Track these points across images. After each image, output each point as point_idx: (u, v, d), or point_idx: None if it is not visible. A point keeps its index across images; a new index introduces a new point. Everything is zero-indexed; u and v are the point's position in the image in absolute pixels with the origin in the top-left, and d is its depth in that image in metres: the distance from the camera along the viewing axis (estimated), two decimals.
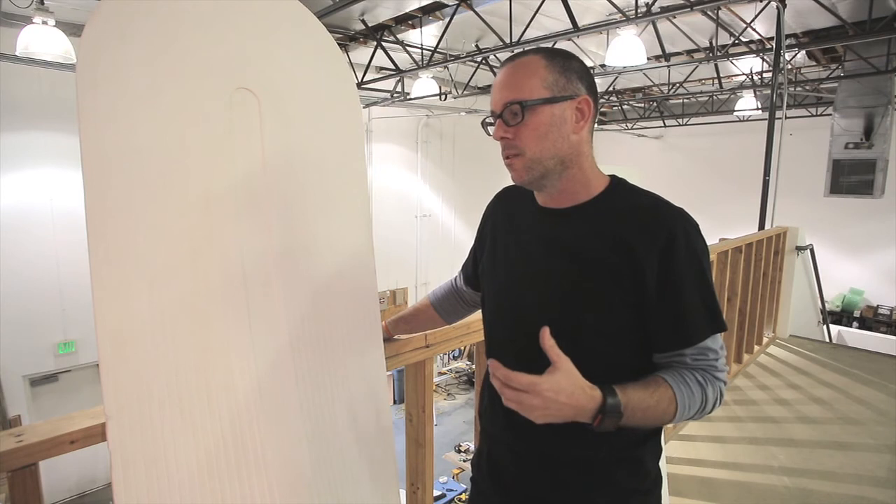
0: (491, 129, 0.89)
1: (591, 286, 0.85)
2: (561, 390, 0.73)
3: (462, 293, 1.22)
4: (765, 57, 6.69)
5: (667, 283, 0.82)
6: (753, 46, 6.19)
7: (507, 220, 1.02)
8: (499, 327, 0.99)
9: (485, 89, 8.94)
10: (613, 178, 0.92)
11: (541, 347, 0.84)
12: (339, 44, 3.33)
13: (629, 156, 12.88)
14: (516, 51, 5.77)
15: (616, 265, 0.83)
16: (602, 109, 11.25)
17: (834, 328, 6.54)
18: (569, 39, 5.89)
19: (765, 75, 7.80)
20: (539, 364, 0.90)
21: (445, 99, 7.88)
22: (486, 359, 1.04)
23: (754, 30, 5.66)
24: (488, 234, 1.05)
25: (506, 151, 0.87)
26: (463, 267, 1.20)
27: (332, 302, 1.07)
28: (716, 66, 7.26)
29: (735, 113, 9.40)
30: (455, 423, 9.14)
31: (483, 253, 1.06)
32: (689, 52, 6.77)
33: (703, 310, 0.84)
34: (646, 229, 0.83)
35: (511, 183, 1.09)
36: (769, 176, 4.20)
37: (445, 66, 6.77)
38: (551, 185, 0.88)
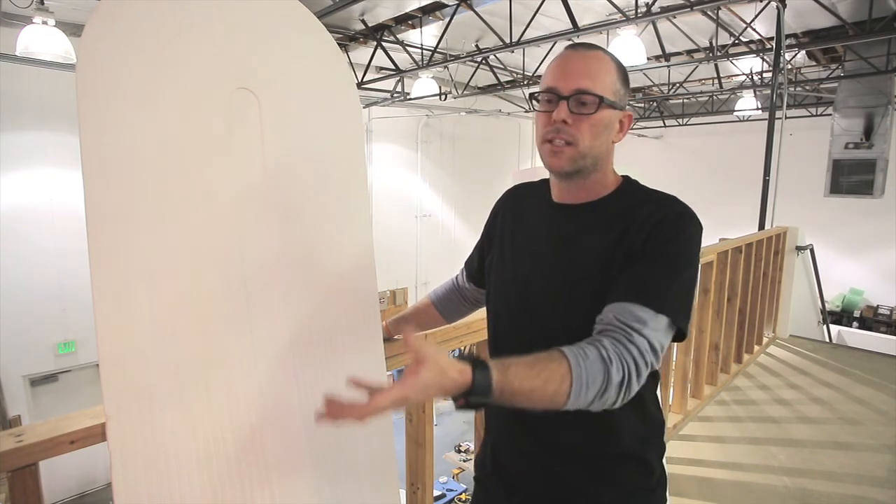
0: (535, 103, 0.89)
1: (600, 280, 0.85)
2: (429, 387, 0.64)
3: (464, 291, 1.22)
4: (765, 57, 6.69)
5: (641, 251, 0.81)
6: (753, 46, 6.19)
7: (517, 216, 1.02)
8: (505, 321, 0.99)
9: (485, 89, 8.94)
10: (626, 178, 0.94)
11: (550, 343, 0.84)
12: (339, 44, 3.33)
13: (629, 156, 12.87)
14: (516, 51, 5.79)
15: (622, 259, 0.83)
16: None
17: (834, 328, 6.54)
18: (569, 39, 5.88)
19: (765, 75, 7.80)
20: None
21: (445, 99, 7.88)
22: (489, 356, 1.04)
23: (754, 30, 5.67)
24: (497, 230, 1.05)
25: (556, 135, 0.85)
26: (466, 264, 1.20)
27: (332, 302, 1.07)
28: (716, 66, 7.26)
29: (735, 113, 9.40)
30: (455, 423, 9.13)
31: (491, 249, 1.06)
32: (689, 52, 6.78)
33: (648, 282, 0.79)
34: (647, 216, 0.84)
35: (513, 183, 1.10)
36: (769, 176, 4.20)
37: (445, 66, 6.77)
38: (579, 180, 0.90)
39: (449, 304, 1.25)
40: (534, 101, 0.90)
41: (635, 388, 0.73)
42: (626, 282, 0.80)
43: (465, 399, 0.66)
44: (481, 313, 1.16)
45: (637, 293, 0.77)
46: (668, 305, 0.77)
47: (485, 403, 0.67)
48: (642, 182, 0.93)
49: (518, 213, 1.02)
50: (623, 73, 0.88)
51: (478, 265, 1.14)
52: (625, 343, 0.73)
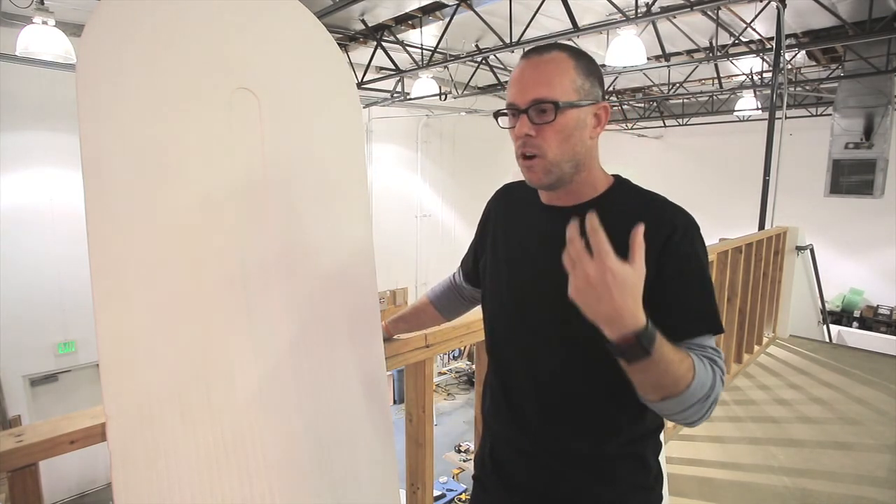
0: (503, 119, 0.88)
1: None
2: (623, 284, 0.66)
3: (461, 289, 1.22)
4: (765, 57, 6.69)
5: (664, 280, 0.81)
6: (753, 46, 6.19)
7: (509, 217, 1.02)
8: (502, 325, 0.99)
9: (485, 89, 8.94)
10: (617, 177, 0.92)
11: (545, 346, 0.83)
12: (339, 44, 3.33)
13: (629, 156, 12.88)
14: (516, 51, 5.78)
15: None
16: None
17: (834, 328, 6.54)
18: (569, 39, 5.88)
19: (765, 75, 7.80)
20: (542, 361, 0.91)
21: (445, 99, 7.88)
22: (488, 357, 1.04)
23: (754, 30, 5.66)
24: (490, 231, 1.05)
25: (525, 150, 0.85)
26: (462, 263, 1.20)
27: (332, 302, 1.07)
28: (716, 66, 7.26)
29: (735, 113, 9.40)
30: (455, 423, 9.13)
31: (484, 250, 1.06)
32: (689, 52, 6.77)
33: (699, 308, 0.83)
34: (647, 228, 0.83)
35: (513, 180, 1.09)
36: (769, 176, 4.20)
37: (445, 66, 6.77)
38: (563, 186, 0.88)
39: (447, 303, 1.25)
40: (499, 119, 0.89)
41: (715, 408, 0.77)
42: (679, 313, 0.80)
43: (636, 338, 0.67)
44: (480, 313, 1.16)
45: (696, 324, 0.81)
46: (711, 322, 0.82)
47: (646, 352, 0.68)
48: (642, 182, 0.93)
49: (510, 213, 1.02)
50: (587, 66, 0.84)
51: (472, 265, 1.14)
52: (713, 358, 0.78)
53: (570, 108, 0.82)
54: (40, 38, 3.99)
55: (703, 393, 0.74)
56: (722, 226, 6.19)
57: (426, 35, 6.10)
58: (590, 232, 0.68)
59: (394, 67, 6.56)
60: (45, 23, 4.00)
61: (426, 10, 5.53)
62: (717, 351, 0.82)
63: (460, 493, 6.96)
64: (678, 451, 2.53)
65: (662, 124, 12.06)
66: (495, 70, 7.59)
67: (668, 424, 2.63)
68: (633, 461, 0.92)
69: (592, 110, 0.85)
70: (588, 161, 0.87)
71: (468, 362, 11.05)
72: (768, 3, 4.90)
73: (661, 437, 1.01)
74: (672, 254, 0.81)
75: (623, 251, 0.83)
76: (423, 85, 6.87)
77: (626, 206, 0.87)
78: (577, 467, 0.91)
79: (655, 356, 0.68)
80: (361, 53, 6.63)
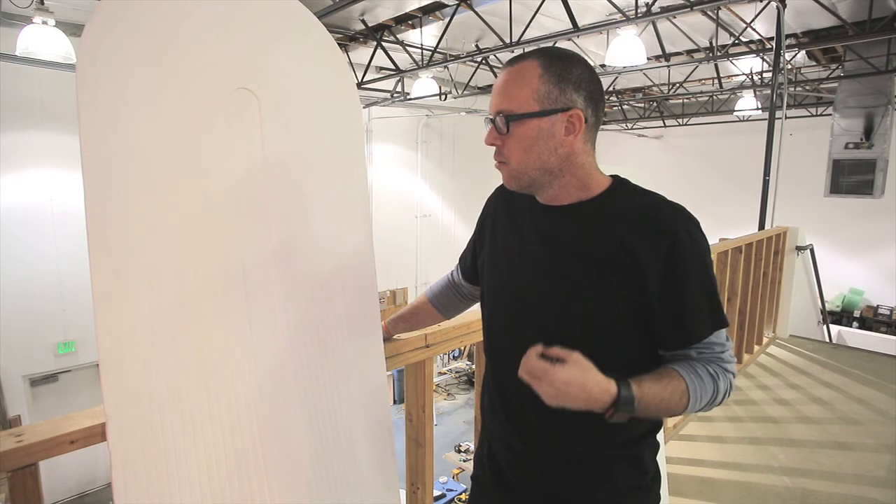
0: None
1: (594, 285, 0.85)
2: (573, 381, 0.74)
3: (460, 287, 1.22)
4: (765, 57, 6.69)
5: (670, 286, 0.82)
6: (753, 46, 6.19)
7: (507, 215, 1.02)
8: (500, 324, 0.99)
9: (485, 89, 8.94)
10: (615, 178, 0.92)
11: (541, 344, 0.84)
12: (339, 44, 3.33)
13: (629, 156, 12.87)
14: (516, 51, 5.79)
15: (619, 266, 0.83)
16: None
17: (834, 328, 6.53)
18: (569, 39, 5.89)
19: (765, 75, 7.80)
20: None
21: (445, 99, 7.88)
22: (485, 357, 1.04)
23: (754, 30, 5.66)
24: (488, 229, 1.05)
25: (495, 156, 0.89)
26: (460, 260, 1.20)
27: (332, 302, 1.08)
28: (716, 66, 7.25)
29: (735, 113, 9.39)
30: (455, 423, 9.14)
31: (482, 248, 1.06)
32: (689, 52, 6.77)
33: (705, 309, 0.84)
34: (648, 232, 0.83)
35: None
36: (769, 176, 4.20)
37: (445, 66, 6.76)
38: (543, 191, 0.90)
39: (446, 300, 1.25)
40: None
41: (733, 390, 0.87)
42: (687, 322, 0.84)
43: (614, 410, 0.77)
44: (480, 313, 1.16)
45: (703, 328, 0.84)
46: (718, 320, 0.85)
47: (631, 408, 0.77)
48: (642, 182, 0.92)
49: (508, 212, 1.02)
50: (559, 72, 0.82)
51: (471, 263, 1.14)
52: (721, 364, 0.85)
53: (528, 118, 0.83)
54: (40, 38, 3.99)
55: (704, 403, 0.83)
56: (722, 226, 6.19)
57: (426, 35, 6.10)
58: (526, 365, 0.78)
59: (394, 67, 6.56)
60: (45, 23, 4.00)
61: (426, 10, 5.53)
62: (724, 346, 0.86)
63: (460, 493, 6.96)
64: (678, 451, 2.53)
65: (662, 124, 12.05)
66: (495, 70, 7.58)
67: (668, 424, 2.63)
68: (629, 462, 0.92)
69: (563, 117, 0.83)
70: (568, 167, 0.87)
71: (468, 362, 11.06)
72: (768, 3, 4.90)
73: (661, 437, 1.01)
74: (675, 266, 0.81)
75: (621, 252, 0.83)
76: (423, 85, 6.87)
77: (622, 208, 0.87)
78: (573, 468, 0.91)
79: (642, 404, 0.77)
80: (361, 53, 6.64)
